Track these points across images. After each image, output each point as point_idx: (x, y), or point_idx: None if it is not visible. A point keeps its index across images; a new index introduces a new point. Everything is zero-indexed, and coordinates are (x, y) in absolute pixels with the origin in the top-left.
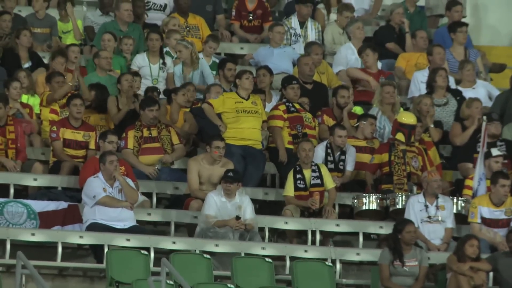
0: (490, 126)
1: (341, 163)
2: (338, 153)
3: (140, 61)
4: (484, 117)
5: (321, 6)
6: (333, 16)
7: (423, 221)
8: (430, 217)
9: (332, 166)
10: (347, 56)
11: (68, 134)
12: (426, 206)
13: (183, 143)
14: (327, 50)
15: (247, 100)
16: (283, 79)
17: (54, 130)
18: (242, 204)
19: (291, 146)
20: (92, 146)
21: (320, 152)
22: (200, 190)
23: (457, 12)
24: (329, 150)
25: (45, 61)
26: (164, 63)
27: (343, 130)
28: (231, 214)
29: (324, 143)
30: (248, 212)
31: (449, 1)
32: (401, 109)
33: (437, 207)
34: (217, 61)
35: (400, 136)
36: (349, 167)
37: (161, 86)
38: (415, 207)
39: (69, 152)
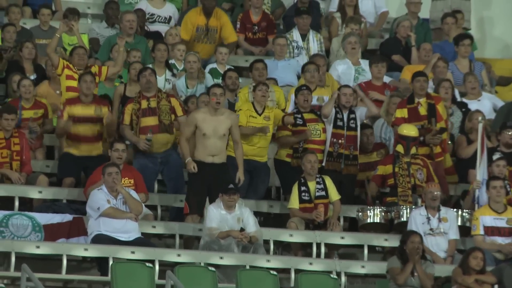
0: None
1: (352, 121)
2: (347, 112)
3: None
4: (480, 118)
5: (337, 15)
6: (352, 26)
7: (426, 234)
8: (433, 230)
9: (341, 123)
10: (336, 68)
11: (78, 110)
12: (428, 219)
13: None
14: (332, 59)
15: (260, 115)
16: (295, 88)
17: (60, 109)
18: (243, 216)
19: (289, 160)
20: (106, 114)
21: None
22: (186, 142)
23: (447, 24)
24: (337, 109)
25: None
26: (173, 75)
27: (348, 88)
28: (232, 226)
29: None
30: (251, 225)
31: (445, 13)
32: None
33: (440, 219)
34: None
35: (399, 148)
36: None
37: None
38: (417, 219)
39: (82, 130)
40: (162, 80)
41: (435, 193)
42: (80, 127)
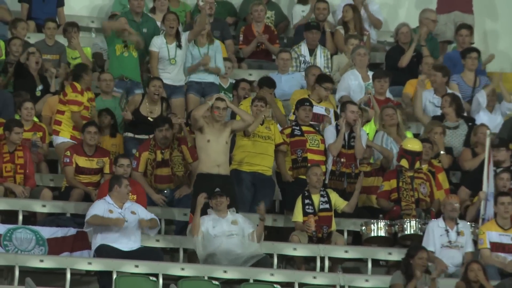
0: (494, 153)
1: (352, 140)
2: (348, 131)
3: (159, 42)
4: (488, 132)
5: (339, 27)
6: (352, 41)
7: (443, 246)
8: (451, 242)
9: (343, 142)
10: (349, 82)
11: (81, 161)
12: (447, 231)
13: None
14: (335, 78)
15: (261, 124)
16: (297, 100)
17: (67, 155)
18: (237, 219)
19: (290, 172)
20: (106, 170)
21: (331, 131)
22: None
23: (461, 36)
24: (339, 128)
25: (51, 89)
26: (179, 45)
27: (354, 105)
28: (228, 229)
29: (334, 124)
30: (249, 226)
31: (459, 24)
32: (409, 133)
33: (458, 233)
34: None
35: (404, 162)
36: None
37: (179, 67)
38: (435, 231)
39: (83, 179)
40: (173, 47)
41: (455, 204)
42: (81, 176)
